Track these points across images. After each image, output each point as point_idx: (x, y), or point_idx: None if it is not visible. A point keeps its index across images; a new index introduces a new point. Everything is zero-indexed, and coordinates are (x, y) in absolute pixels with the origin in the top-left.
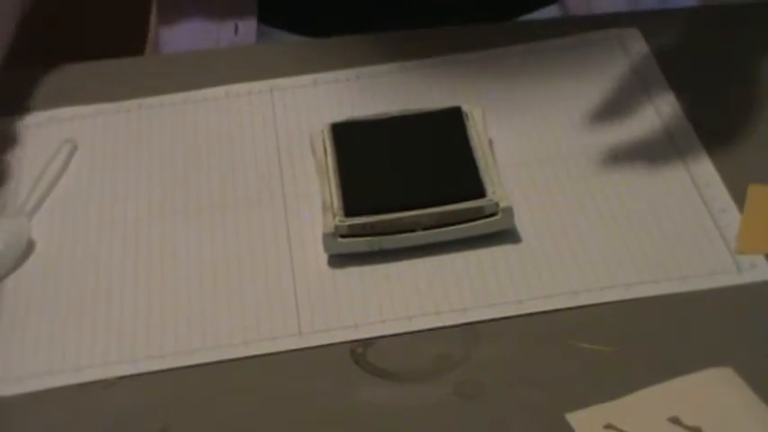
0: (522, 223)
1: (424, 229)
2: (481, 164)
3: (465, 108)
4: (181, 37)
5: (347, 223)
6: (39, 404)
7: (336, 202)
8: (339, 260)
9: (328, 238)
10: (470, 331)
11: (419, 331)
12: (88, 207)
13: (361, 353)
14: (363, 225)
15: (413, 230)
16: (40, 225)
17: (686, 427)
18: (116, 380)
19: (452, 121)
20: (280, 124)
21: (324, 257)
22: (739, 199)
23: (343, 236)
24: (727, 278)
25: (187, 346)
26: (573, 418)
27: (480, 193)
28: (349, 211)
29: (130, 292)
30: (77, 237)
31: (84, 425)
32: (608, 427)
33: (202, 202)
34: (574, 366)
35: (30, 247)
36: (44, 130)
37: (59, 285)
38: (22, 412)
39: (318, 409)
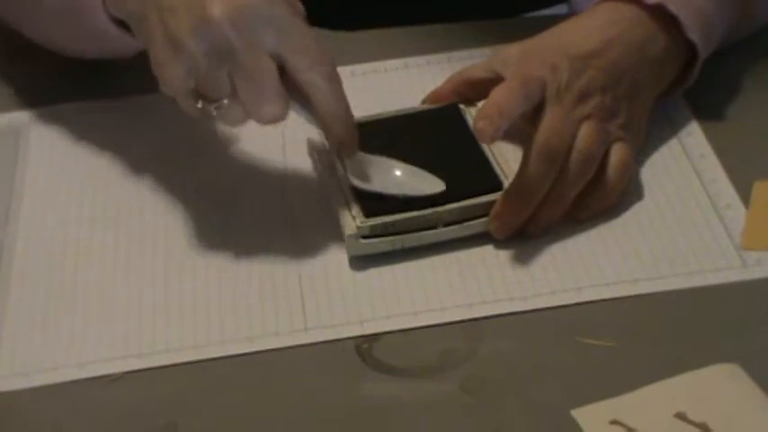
0: None
1: (445, 225)
2: (491, 158)
3: (461, 106)
4: None
5: (369, 224)
6: (44, 399)
7: (353, 203)
8: (344, 256)
9: (351, 239)
10: (476, 327)
11: (425, 327)
12: (94, 200)
13: (366, 348)
14: (385, 225)
15: (433, 227)
16: (44, 220)
17: (692, 422)
18: (121, 375)
19: (452, 117)
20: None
21: (329, 254)
22: (744, 195)
23: (365, 237)
24: (733, 274)
25: (192, 341)
26: (579, 413)
27: (498, 185)
28: (369, 211)
29: (136, 287)
30: (82, 231)
31: (90, 419)
32: (614, 422)
33: (207, 197)
34: (579, 362)
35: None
36: (48, 125)
37: (65, 280)
38: (27, 407)
39: (324, 405)
